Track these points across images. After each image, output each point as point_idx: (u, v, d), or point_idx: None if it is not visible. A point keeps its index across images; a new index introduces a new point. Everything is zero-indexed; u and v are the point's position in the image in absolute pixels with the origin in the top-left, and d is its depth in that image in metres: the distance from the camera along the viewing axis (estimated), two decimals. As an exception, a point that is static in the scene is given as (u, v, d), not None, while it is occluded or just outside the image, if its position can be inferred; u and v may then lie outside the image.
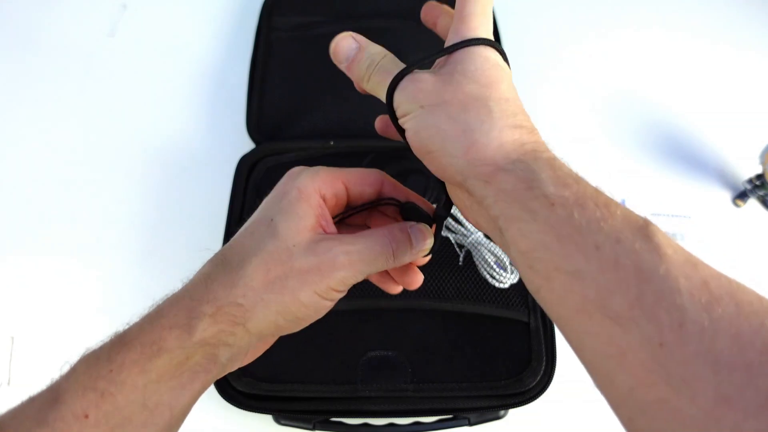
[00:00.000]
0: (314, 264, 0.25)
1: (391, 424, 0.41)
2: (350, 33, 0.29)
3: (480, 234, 0.44)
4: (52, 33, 0.66)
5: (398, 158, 0.49)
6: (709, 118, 0.59)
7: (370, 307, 0.42)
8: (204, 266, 0.26)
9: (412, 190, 0.39)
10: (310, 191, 0.26)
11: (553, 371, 0.41)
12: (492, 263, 0.43)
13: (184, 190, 0.55)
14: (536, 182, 0.22)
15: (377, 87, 0.28)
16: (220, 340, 0.24)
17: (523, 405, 0.40)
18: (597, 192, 0.23)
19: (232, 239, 0.27)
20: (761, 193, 0.52)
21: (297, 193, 0.26)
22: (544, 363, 0.41)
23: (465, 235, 0.44)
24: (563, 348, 0.42)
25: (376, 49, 0.29)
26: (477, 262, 0.44)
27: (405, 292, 0.42)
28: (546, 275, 0.21)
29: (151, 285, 0.50)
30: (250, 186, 0.49)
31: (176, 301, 0.25)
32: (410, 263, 0.30)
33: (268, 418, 0.42)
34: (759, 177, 0.52)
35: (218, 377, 0.26)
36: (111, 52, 0.64)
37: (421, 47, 0.58)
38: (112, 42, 0.65)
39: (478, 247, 0.43)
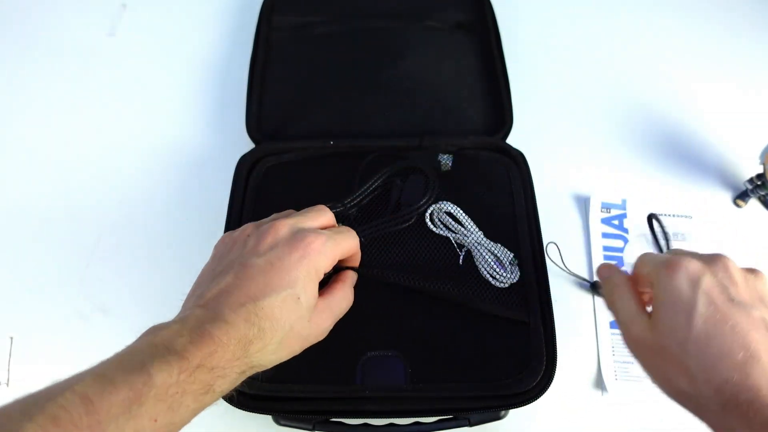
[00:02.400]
0: (315, 332, 0.34)
1: (391, 425, 0.40)
2: (607, 263, 0.39)
3: (480, 233, 0.44)
4: (52, 33, 0.66)
5: (398, 158, 0.49)
6: (710, 118, 0.59)
7: (370, 307, 0.42)
8: (239, 324, 0.30)
9: (413, 189, 0.44)
10: (320, 272, 0.34)
11: (554, 371, 0.41)
12: (492, 263, 0.43)
13: (183, 190, 0.55)
14: None
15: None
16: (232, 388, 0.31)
17: (523, 405, 0.40)
18: None
19: (262, 300, 0.31)
20: (762, 193, 0.52)
21: (315, 275, 0.33)
22: (544, 363, 0.41)
23: (465, 235, 0.44)
24: (563, 348, 0.42)
25: (617, 279, 0.36)
26: (477, 262, 0.43)
27: (405, 292, 0.43)
28: None
29: (150, 284, 0.50)
30: (250, 186, 0.49)
31: (226, 352, 0.29)
32: None
33: (267, 419, 0.42)
34: (759, 177, 0.51)
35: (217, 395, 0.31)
36: (111, 52, 0.64)
37: (421, 47, 0.58)
38: (112, 42, 0.65)
39: (479, 247, 0.43)
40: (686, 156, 0.57)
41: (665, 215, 0.52)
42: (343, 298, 0.37)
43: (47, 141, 0.58)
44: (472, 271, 0.44)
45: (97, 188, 0.55)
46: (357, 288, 0.39)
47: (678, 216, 0.52)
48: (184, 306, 0.33)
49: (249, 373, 0.31)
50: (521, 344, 0.41)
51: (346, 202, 0.43)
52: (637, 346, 0.33)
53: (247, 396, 0.40)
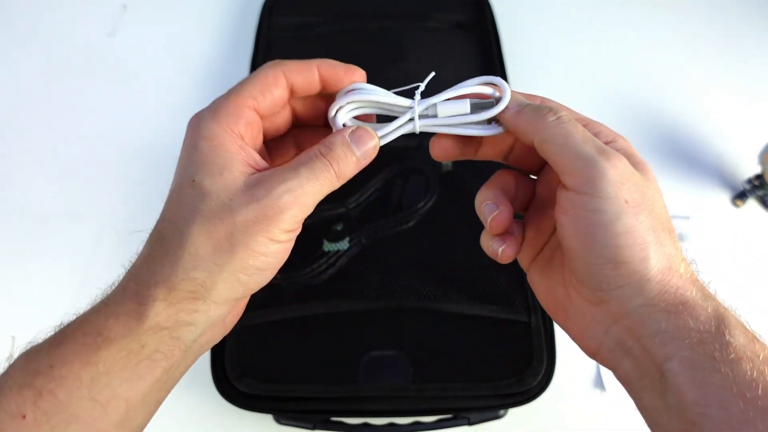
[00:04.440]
0: (258, 212, 0.22)
1: (391, 424, 0.41)
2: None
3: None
4: (52, 33, 0.65)
5: (399, 158, 0.49)
6: (708, 119, 0.59)
7: (372, 308, 0.42)
8: (143, 247, 0.24)
9: (413, 190, 0.39)
10: (220, 135, 0.23)
11: (553, 371, 0.41)
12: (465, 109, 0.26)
13: (184, 190, 0.55)
14: (727, 328, 0.20)
15: (563, 138, 0.23)
16: (180, 321, 0.22)
17: (523, 404, 0.40)
18: None
19: (162, 213, 0.24)
20: (760, 193, 0.52)
21: (207, 143, 0.23)
22: (545, 363, 0.41)
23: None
24: (563, 348, 0.42)
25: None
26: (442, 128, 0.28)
27: (407, 292, 0.43)
28: None
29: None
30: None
31: (121, 289, 0.23)
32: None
33: (268, 418, 0.42)
34: (758, 177, 0.52)
35: (189, 359, 0.24)
36: (111, 52, 0.64)
37: (421, 48, 0.58)
38: (112, 42, 0.65)
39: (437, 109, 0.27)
40: (685, 156, 0.57)
41: (664, 215, 0.52)
42: (309, 166, 0.23)
43: (47, 141, 0.58)
44: (473, 272, 0.44)
45: (98, 188, 0.55)
46: (358, 288, 0.39)
47: (676, 217, 0.52)
48: None
49: (207, 306, 0.23)
50: (522, 344, 0.42)
51: (347, 202, 0.43)
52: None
53: (248, 396, 0.40)
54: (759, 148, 0.51)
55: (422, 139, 0.50)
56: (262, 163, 0.24)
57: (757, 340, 0.20)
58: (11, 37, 0.65)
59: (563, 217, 0.23)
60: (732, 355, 0.19)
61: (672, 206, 0.53)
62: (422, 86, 0.26)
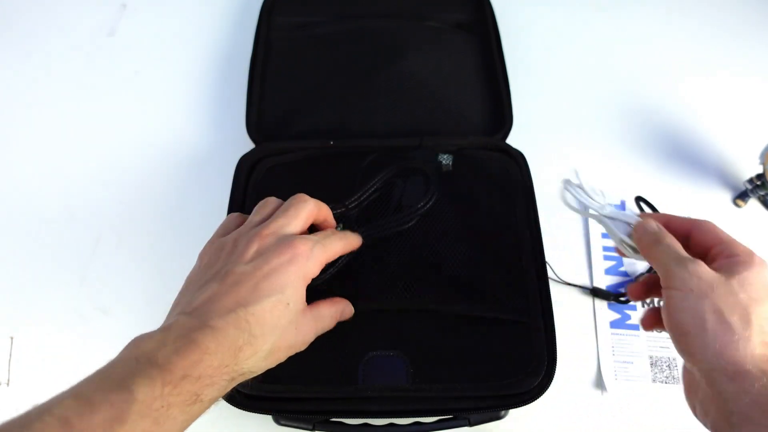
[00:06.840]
0: (299, 341, 0.34)
1: (391, 425, 0.41)
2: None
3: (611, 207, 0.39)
4: (52, 33, 0.66)
5: (399, 158, 0.49)
6: (709, 119, 0.59)
7: (371, 308, 0.42)
8: (228, 330, 0.29)
9: (413, 190, 0.44)
10: (309, 278, 0.34)
11: (554, 371, 0.41)
12: (624, 234, 0.38)
13: (183, 190, 0.55)
14: None
15: (658, 253, 0.33)
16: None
17: (523, 405, 0.40)
18: None
19: (247, 305, 0.30)
20: (762, 193, 0.52)
21: (303, 280, 0.33)
22: (545, 364, 0.41)
23: (596, 209, 0.39)
24: (563, 348, 0.42)
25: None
26: (611, 236, 0.38)
27: (407, 292, 0.43)
28: None
29: (150, 284, 0.50)
30: (250, 186, 0.49)
31: (213, 359, 0.28)
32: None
33: (267, 419, 0.42)
34: (759, 177, 0.52)
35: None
36: (111, 52, 0.64)
37: (421, 48, 0.58)
38: (112, 42, 0.65)
39: (607, 221, 0.38)
40: (686, 156, 0.57)
41: (665, 215, 0.52)
42: (329, 315, 0.37)
43: (47, 141, 0.58)
44: (473, 272, 0.44)
45: (98, 188, 0.55)
46: (358, 288, 0.39)
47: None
48: (169, 314, 0.32)
49: (239, 380, 0.31)
50: (522, 345, 0.41)
51: (347, 202, 0.43)
52: None
53: (247, 396, 0.40)
54: (760, 148, 0.51)
55: (422, 138, 0.50)
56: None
57: None
58: (11, 36, 0.65)
59: (662, 308, 0.32)
60: None
61: (673, 206, 0.53)
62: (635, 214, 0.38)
